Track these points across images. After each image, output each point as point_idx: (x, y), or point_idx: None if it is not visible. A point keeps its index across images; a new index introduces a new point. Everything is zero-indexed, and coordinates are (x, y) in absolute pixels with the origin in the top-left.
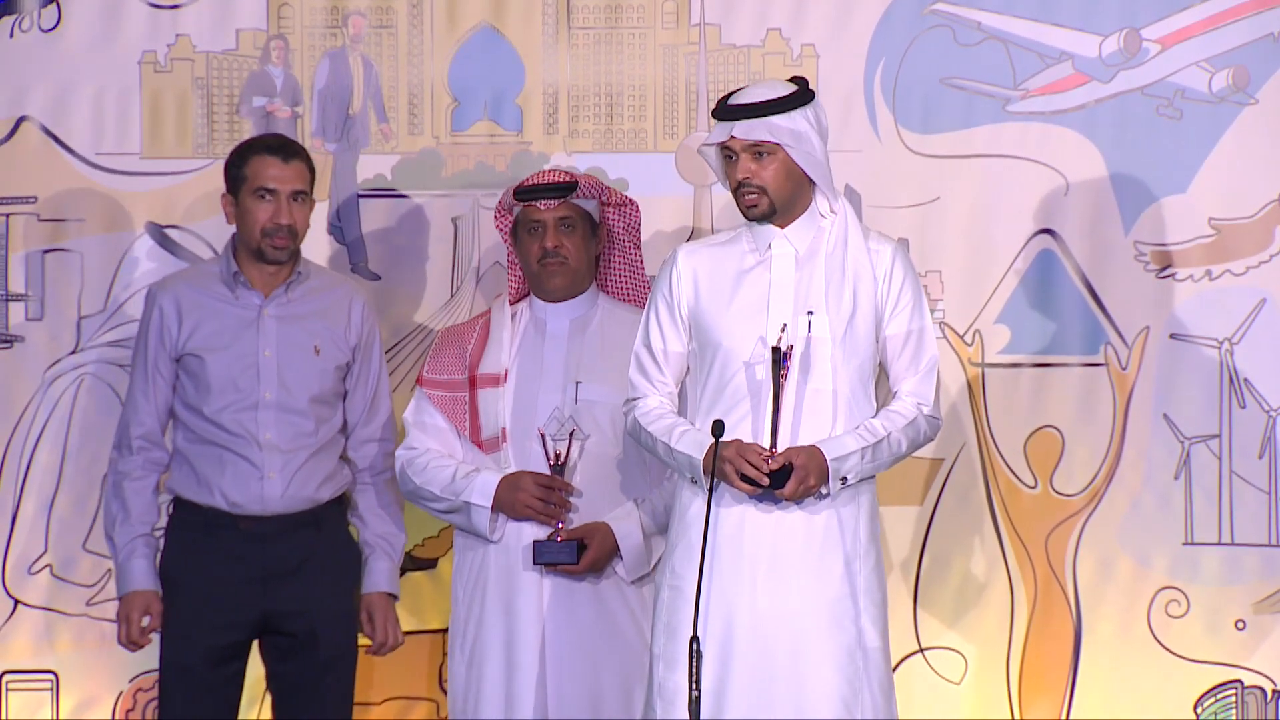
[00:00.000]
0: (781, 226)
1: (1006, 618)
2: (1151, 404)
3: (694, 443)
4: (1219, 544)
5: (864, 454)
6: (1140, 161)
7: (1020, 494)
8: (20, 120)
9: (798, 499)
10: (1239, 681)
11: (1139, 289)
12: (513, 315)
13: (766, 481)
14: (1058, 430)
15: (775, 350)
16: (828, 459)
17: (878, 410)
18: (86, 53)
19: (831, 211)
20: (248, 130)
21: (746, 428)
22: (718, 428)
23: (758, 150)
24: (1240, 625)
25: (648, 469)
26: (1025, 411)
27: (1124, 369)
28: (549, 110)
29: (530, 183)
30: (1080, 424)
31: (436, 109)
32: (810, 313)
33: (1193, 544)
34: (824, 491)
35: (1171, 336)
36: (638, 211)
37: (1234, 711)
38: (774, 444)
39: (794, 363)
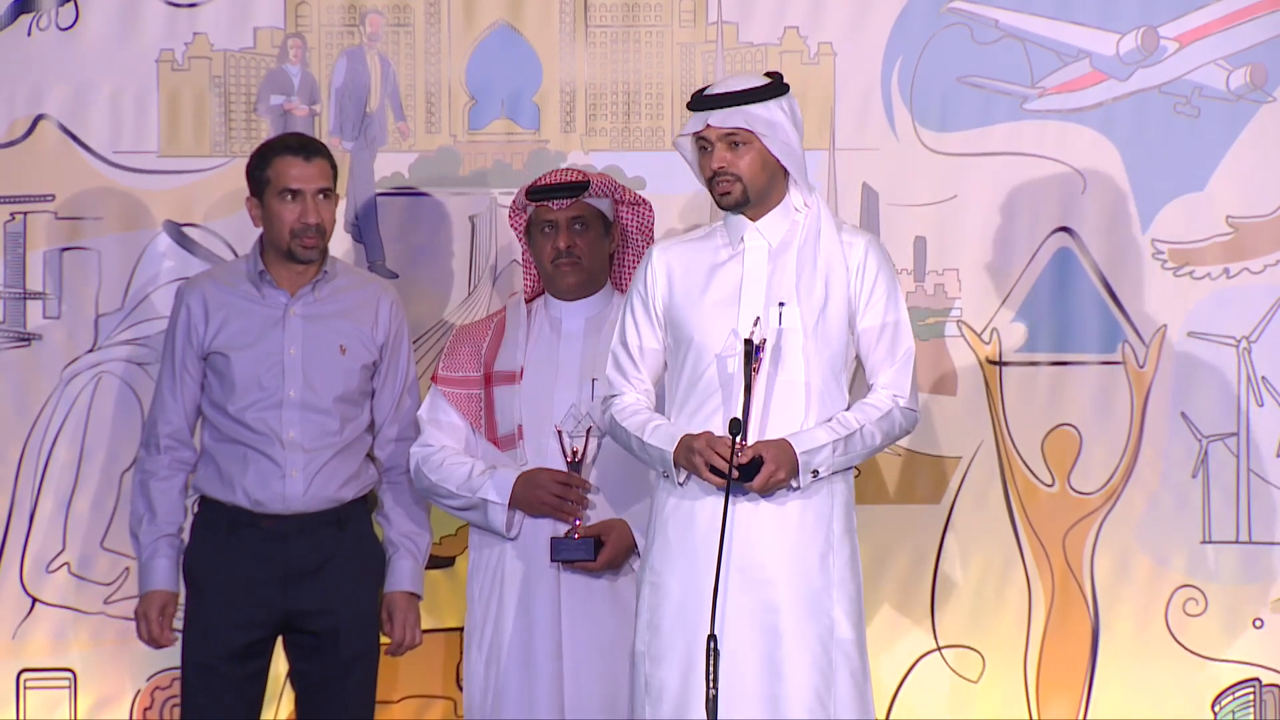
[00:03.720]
0: (754, 219)
1: (1024, 616)
2: (1169, 402)
3: (666, 436)
4: (1237, 542)
5: (835, 447)
6: (1158, 159)
7: (1038, 492)
8: (38, 119)
9: (767, 492)
10: (1257, 680)
11: (1156, 287)
12: (528, 313)
13: (736, 474)
14: (1075, 429)
15: (748, 343)
16: (797, 452)
17: (850, 403)
18: (104, 51)
19: (805, 205)
20: (265, 129)
21: (720, 421)
22: (735, 426)
23: (733, 140)
24: (1258, 624)
25: None
26: (1043, 410)
27: (1141, 367)
28: (566, 108)
29: (543, 183)
30: (1098, 422)
31: (454, 107)
32: (782, 304)
33: (1210, 542)
34: (794, 485)
35: (1189, 335)
36: (651, 211)
37: (1252, 710)
38: (744, 436)
39: (765, 355)
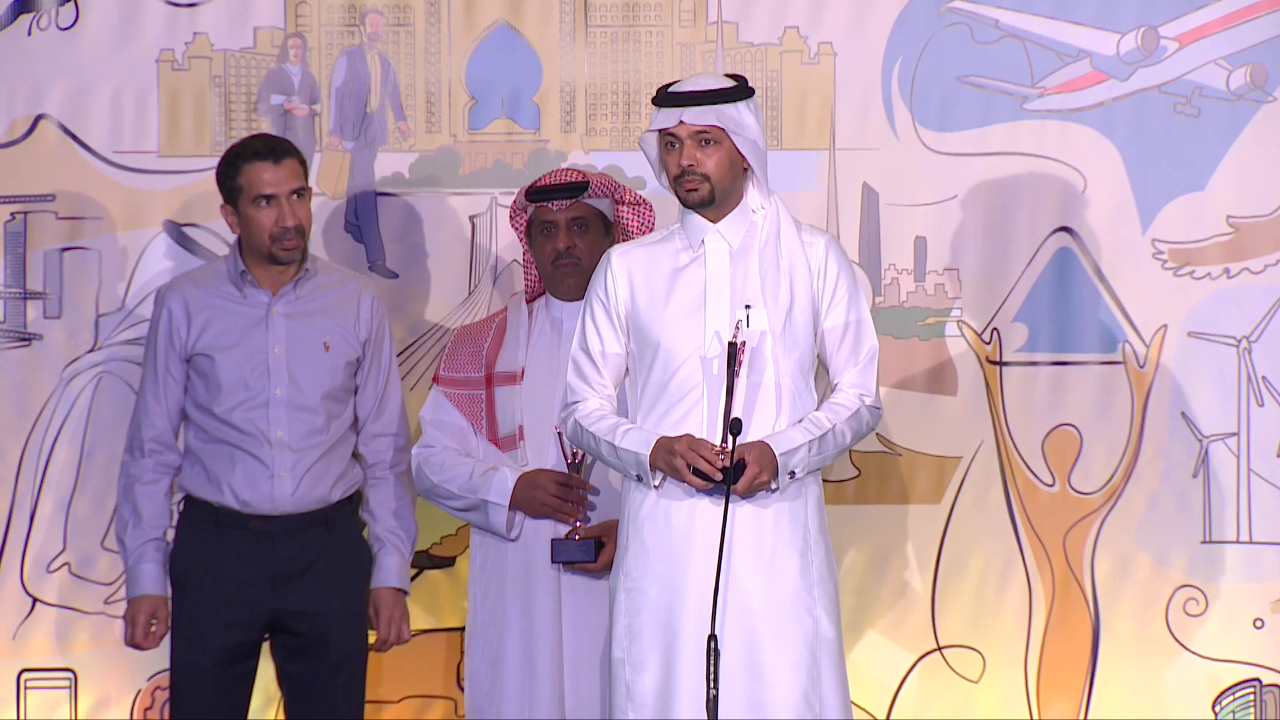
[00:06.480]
0: (714, 221)
1: (1025, 616)
2: (1169, 402)
3: (640, 440)
4: (1237, 542)
5: (811, 447)
6: (1158, 159)
7: (1038, 492)
8: (38, 119)
9: (749, 495)
10: (1257, 680)
11: (1157, 287)
12: (529, 314)
13: (719, 476)
14: (1076, 429)
15: (731, 345)
16: (776, 454)
17: (819, 402)
18: (104, 51)
19: (763, 206)
20: (265, 129)
21: (689, 425)
22: (736, 426)
23: (704, 138)
24: (1259, 624)
25: None
26: (1043, 410)
27: (1142, 367)
28: (566, 108)
29: (542, 183)
30: (1098, 422)
31: (454, 107)
32: (748, 306)
33: (1211, 542)
34: (773, 486)
35: (1189, 335)
36: (652, 211)
37: (1253, 710)
38: (725, 439)
39: (744, 357)
